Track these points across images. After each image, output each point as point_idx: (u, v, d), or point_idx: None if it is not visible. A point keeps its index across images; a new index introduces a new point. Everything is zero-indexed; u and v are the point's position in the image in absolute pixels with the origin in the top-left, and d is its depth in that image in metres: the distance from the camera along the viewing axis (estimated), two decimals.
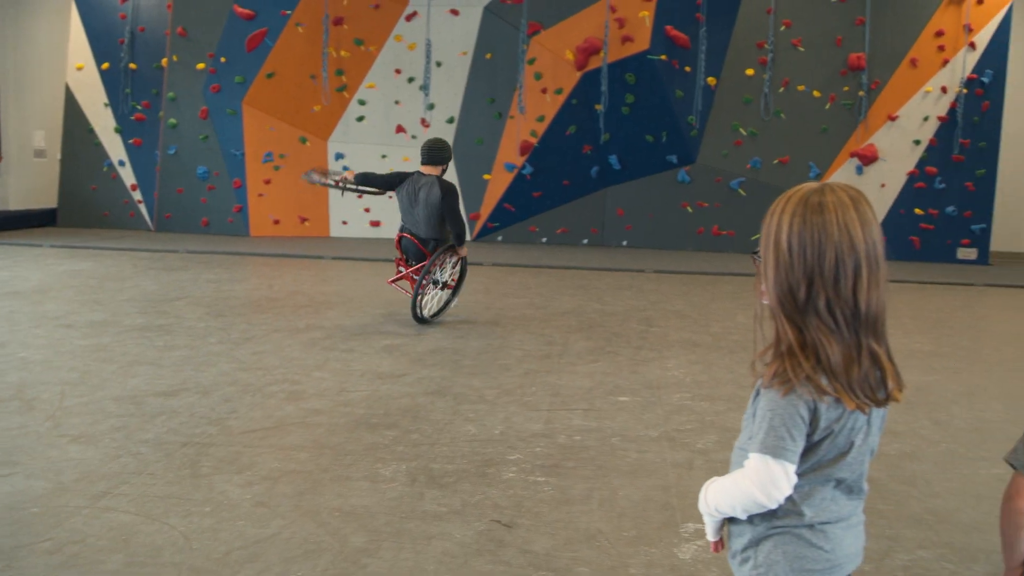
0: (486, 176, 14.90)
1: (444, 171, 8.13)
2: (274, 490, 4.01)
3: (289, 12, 14.71)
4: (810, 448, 1.75)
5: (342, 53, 15.01)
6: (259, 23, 14.70)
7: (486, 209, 15.02)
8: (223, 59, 14.82)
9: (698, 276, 12.03)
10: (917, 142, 14.27)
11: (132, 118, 15.23)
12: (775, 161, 14.49)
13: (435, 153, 8.05)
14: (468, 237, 7.84)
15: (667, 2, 14.43)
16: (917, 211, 14.30)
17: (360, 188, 8.31)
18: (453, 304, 8.46)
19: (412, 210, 8.01)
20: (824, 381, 1.70)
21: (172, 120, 15.04)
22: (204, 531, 3.56)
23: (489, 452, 4.59)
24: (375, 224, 15.27)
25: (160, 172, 15.21)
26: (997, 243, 14.56)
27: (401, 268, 8.23)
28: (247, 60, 14.75)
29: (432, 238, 8.00)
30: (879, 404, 1.76)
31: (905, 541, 3.68)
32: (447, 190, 7.89)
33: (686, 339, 7.76)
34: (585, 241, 15.11)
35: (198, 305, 8.60)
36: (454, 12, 14.97)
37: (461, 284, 8.43)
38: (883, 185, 14.34)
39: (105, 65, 15.21)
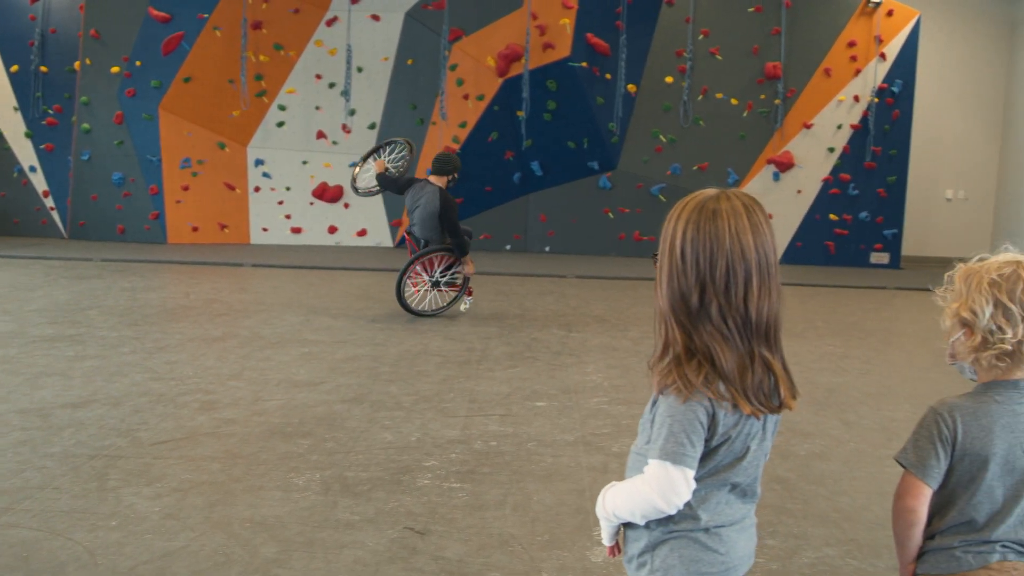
0: None
1: (452, 180, 8.86)
2: (184, 502, 3.93)
3: (207, 15, 14.46)
4: (708, 453, 1.76)
5: (261, 58, 14.83)
6: (175, 26, 14.42)
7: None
8: (138, 63, 14.50)
9: (619, 281, 12.16)
10: (831, 149, 14.65)
11: (43, 123, 14.82)
12: (695, 168, 14.74)
13: (440, 164, 8.82)
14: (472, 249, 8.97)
15: (587, 10, 14.58)
16: (832, 216, 14.67)
17: (382, 189, 9.36)
18: (464, 307, 9.15)
19: (412, 212, 8.84)
20: (721, 387, 1.72)
21: (85, 125, 14.66)
22: (110, 545, 3.48)
23: (404, 459, 4.57)
24: (296, 231, 15.11)
25: (73, 178, 14.82)
26: (908, 248, 15.04)
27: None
28: (163, 64, 14.45)
29: (425, 238, 8.78)
30: (773, 411, 1.78)
31: (812, 539, 3.77)
32: (446, 204, 8.59)
33: (605, 344, 7.83)
34: (508, 247, 15.16)
35: (111, 314, 8.40)
36: (375, 17, 14.90)
37: (465, 286, 9.05)
38: (799, 191, 14.69)
39: (14, 68, 14.77)
